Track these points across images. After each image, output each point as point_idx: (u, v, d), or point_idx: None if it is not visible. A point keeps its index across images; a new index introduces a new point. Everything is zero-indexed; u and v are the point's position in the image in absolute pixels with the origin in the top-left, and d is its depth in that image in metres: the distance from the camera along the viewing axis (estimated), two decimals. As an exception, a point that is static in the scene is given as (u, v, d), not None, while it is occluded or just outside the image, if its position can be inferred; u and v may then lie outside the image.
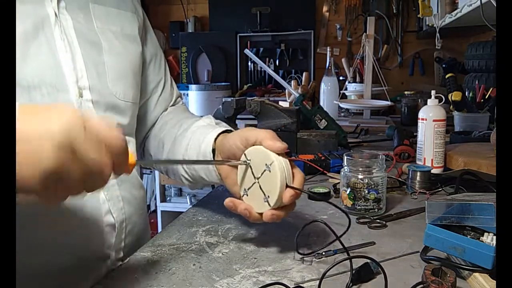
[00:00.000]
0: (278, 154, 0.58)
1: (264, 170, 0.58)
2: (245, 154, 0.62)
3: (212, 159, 0.69)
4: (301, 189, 0.58)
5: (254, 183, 0.60)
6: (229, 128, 0.73)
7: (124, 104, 0.72)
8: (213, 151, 0.69)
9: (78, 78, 0.63)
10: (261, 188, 0.59)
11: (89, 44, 0.67)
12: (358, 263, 0.53)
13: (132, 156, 0.47)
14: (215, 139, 0.69)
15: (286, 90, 1.78)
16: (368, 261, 0.52)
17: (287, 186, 0.57)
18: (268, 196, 0.58)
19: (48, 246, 0.60)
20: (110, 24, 0.72)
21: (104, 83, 0.68)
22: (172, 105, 0.89)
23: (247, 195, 0.62)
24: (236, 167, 0.64)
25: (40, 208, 0.57)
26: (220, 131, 0.70)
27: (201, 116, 0.82)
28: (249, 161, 0.61)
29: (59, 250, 0.61)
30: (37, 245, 0.59)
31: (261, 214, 0.59)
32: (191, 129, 0.75)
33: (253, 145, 0.61)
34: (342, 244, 0.56)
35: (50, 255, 0.61)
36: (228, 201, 0.62)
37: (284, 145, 0.58)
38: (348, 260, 0.52)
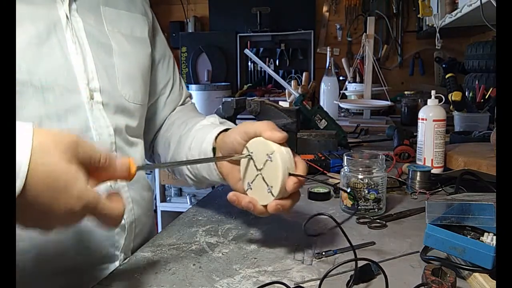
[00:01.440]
0: (280, 144, 0.57)
1: (266, 161, 0.57)
2: (246, 148, 0.61)
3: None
4: (305, 175, 0.57)
5: (257, 175, 0.59)
6: (233, 126, 0.71)
7: (133, 106, 0.72)
8: (214, 149, 0.68)
9: (89, 80, 0.64)
10: (264, 180, 0.58)
11: (100, 46, 0.67)
12: (358, 263, 0.53)
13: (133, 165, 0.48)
14: (216, 137, 0.68)
15: (286, 90, 1.77)
16: (369, 262, 0.52)
17: (290, 174, 0.56)
18: (272, 186, 0.57)
19: (57, 246, 0.60)
20: (120, 26, 0.72)
21: (114, 85, 0.68)
22: (181, 105, 0.89)
23: (251, 188, 0.61)
24: (237, 164, 0.63)
25: None
26: (220, 129, 0.69)
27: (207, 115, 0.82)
28: (251, 154, 0.60)
29: (68, 251, 0.61)
30: (46, 245, 0.59)
31: (265, 206, 0.58)
32: (195, 128, 0.75)
33: (253, 138, 0.60)
34: (346, 236, 0.56)
35: (59, 255, 0.61)
36: (231, 195, 0.61)
37: (284, 134, 0.57)
38: (347, 260, 0.52)
